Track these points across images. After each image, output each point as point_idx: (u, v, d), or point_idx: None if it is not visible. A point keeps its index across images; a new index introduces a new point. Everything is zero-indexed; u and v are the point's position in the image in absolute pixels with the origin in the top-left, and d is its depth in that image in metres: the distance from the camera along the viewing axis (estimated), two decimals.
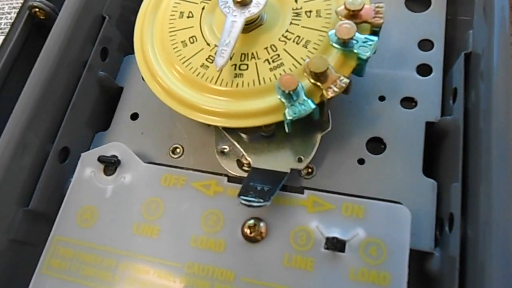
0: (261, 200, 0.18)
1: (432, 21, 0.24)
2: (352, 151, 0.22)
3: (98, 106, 0.26)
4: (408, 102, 0.23)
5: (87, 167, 0.23)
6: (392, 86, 0.23)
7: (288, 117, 0.19)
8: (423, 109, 0.22)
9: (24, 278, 0.21)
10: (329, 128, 0.21)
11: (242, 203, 0.18)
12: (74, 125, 0.24)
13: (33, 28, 0.26)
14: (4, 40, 0.27)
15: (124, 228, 0.21)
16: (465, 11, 0.24)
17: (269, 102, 0.20)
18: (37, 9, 0.24)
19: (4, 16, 0.28)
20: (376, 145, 0.22)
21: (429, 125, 0.22)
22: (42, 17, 0.25)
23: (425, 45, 0.24)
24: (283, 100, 0.19)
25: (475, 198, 0.18)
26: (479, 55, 0.21)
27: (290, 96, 0.19)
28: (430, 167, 0.22)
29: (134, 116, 0.25)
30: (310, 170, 0.22)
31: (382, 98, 0.23)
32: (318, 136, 0.21)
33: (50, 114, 0.23)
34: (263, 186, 0.19)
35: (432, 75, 0.23)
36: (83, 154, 0.23)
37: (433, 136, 0.22)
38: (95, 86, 0.25)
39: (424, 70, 0.23)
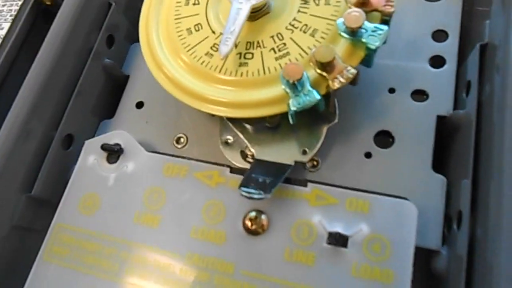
0: (262, 192, 0.18)
1: (448, 11, 0.23)
2: (359, 144, 0.21)
3: (104, 93, 0.26)
4: (419, 95, 0.22)
5: (91, 155, 0.23)
6: (403, 78, 0.22)
7: (292, 108, 0.18)
8: (434, 102, 0.22)
9: (27, 264, 0.21)
10: (336, 121, 0.21)
11: (242, 195, 0.18)
12: (79, 112, 0.24)
13: (39, 14, 0.25)
14: (10, 26, 0.27)
15: (125, 217, 0.21)
16: (483, 1, 0.23)
17: (274, 92, 0.19)
18: None
19: (9, 2, 0.28)
20: (384, 138, 0.22)
21: (440, 119, 0.21)
22: (48, 3, 0.24)
23: (439, 36, 0.23)
24: (288, 90, 0.18)
25: (485, 196, 0.18)
26: (496, 47, 0.20)
27: (295, 86, 0.18)
28: (440, 163, 0.21)
29: (140, 105, 0.25)
30: (315, 163, 0.22)
31: (392, 91, 0.22)
32: (324, 128, 0.21)
33: (55, 100, 0.23)
34: (265, 178, 0.19)
35: (445, 67, 0.22)
36: (86, 142, 0.23)
37: (445, 130, 0.21)
38: (100, 73, 0.25)
39: (437, 61, 0.22)
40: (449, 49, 0.23)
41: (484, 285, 0.16)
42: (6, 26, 0.28)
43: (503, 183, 0.17)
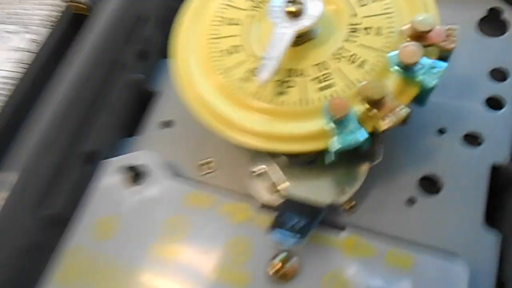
0: (295, 238, 0.16)
1: (508, 48, 0.21)
2: (402, 188, 0.20)
3: (131, 109, 0.25)
4: (472, 139, 0.20)
5: (112, 175, 0.21)
6: (455, 119, 0.20)
7: (335, 147, 0.16)
8: (489, 148, 0.20)
9: (35, 279, 0.20)
10: (380, 159, 0.19)
11: (273, 240, 0.16)
12: (104, 127, 0.23)
13: (73, 20, 0.25)
14: (50, 33, 0.26)
15: (141, 247, 0.19)
16: None
17: (315, 126, 0.18)
18: (79, 5, 0.23)
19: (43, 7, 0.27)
20: (431, 184, 0.20)
21: (496, 168, 0.19)
22: (82, 12, 0.24)
23: (498, 74, 0.21)
24: (331, 126, 0.17)
25: None
26: None
27: (340, 123, 0.17)
28: (493, 216, 0.19)
29: (167, 124, 0.24)
30: (352, 205, 0.20)
31: (442, 131, 0.20)
32: (365, 168, 0.19)
33: (80, 113, 0.22)
34: (298, 220, 0.17)
35: (504, 109, 0.20)
36: (109, 160, 0.22)
37: (500, 180, 0.19)
38: (129, 88, 0.24)
39: (494, 103, 0.21)
40: (508, 89, 0.21)
41: None
42: (43, 31, 0.28)
43: None
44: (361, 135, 0.16)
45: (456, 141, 0.20)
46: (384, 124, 0.16)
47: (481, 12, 0.23)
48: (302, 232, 0.16)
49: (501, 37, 0.22)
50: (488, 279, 0.17)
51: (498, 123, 0.20)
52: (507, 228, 0.18)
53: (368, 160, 0.19)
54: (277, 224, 0.17)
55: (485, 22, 0.22)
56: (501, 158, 0.19)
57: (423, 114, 0.21)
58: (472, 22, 0.22)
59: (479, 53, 0.22)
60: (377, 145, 0.19)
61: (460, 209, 0.19)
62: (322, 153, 0.18)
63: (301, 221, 0.17)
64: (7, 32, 0.32)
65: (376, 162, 0.19)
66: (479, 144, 0.20)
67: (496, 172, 0.19)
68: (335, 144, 0.16)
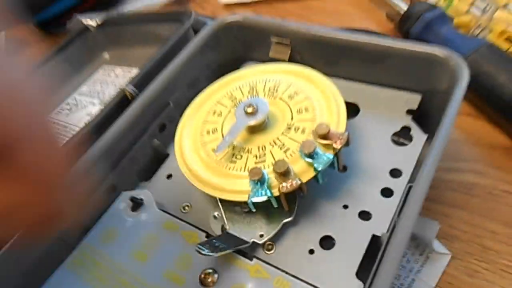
0: (209, 252, 0.24)
1: (407, 156, 0.29)
2: (306, 241, 0.27)
3: (150, 162, 0.35)
4: (365, 215, 0.28)
5: (123, 202, 0.32)
6: (357, 199, 0.28)
7: (250, 199, 0.25)
8: (374, 223, 0.27)
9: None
10: (291, 219, 0.27)
11: (196, 249, 0.25)
12: (127, 172, 0.34)
13: (123, 101, 0.37)
14: (108, 104, 0.39)
15: (128, 250, 0.29)
16: None
17: (246, 185, 0.27)
18: (128, 92, 0.36)
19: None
20: (328, 241, 0.27)
21: (375, 238, 0.26)
22: (129, 98, 0.36)
23: (395, 173, 0.29)
24: (251, 185, 0.26)
25: None
26: None
27: (256, 183, 0.26)
28: (365, 272, 0.26)
29: (169, 176, 0.34)
30: (270, 246, 0.28)
31: (345, 207, 0.28)
32: (281, 222, 0.27)
33: (112, 159, 0.33)
34: (221, 244, 0.26)
35: (391, 198, 0.28)
36: (123, 193, 0.32)
37: (375, 247, 0.26)
38: (149, 148, 0.35)
39: (387, 192, 0.28)
40: (399, 184, 0.28)
41: None
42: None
43: None
44: (267, 193, 0.25)
45: (353, 214, 0.28)
46: (282, 189, 0.25)
47: (396, 127, 0.31)
48: (216, 251, 0.25)
49: (405, 147, 0.30)
50: None
51: (386, 207, 0.27)
52: (370, 281, 0.25)
53: (284, 217, 0.27)
54: (204, 243, 0.25)
55: (397, 134, 0.31)
56: (380, 231, 0.26)
57: (335, 192, 0.29)
58: (388, 132, 0.31)
59: (386, 156, 0.30)
60: (286, 206, 0.27)
61: (343, 263, 0.26)
62: (257, 207, 0.27)
63: (222, 245, 0.26)
64: (90, 103, 0.47)
65: (289, 220, 0.27)
66: (368, 219, 0.27)
67: (375, 241, 0.26)
68: (250, 197, 0.25)
